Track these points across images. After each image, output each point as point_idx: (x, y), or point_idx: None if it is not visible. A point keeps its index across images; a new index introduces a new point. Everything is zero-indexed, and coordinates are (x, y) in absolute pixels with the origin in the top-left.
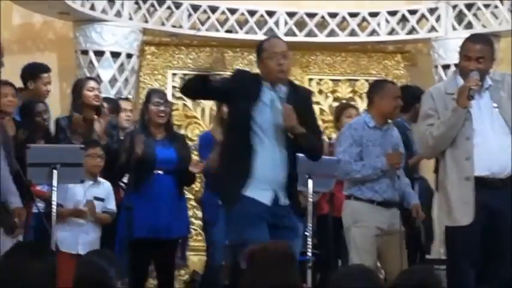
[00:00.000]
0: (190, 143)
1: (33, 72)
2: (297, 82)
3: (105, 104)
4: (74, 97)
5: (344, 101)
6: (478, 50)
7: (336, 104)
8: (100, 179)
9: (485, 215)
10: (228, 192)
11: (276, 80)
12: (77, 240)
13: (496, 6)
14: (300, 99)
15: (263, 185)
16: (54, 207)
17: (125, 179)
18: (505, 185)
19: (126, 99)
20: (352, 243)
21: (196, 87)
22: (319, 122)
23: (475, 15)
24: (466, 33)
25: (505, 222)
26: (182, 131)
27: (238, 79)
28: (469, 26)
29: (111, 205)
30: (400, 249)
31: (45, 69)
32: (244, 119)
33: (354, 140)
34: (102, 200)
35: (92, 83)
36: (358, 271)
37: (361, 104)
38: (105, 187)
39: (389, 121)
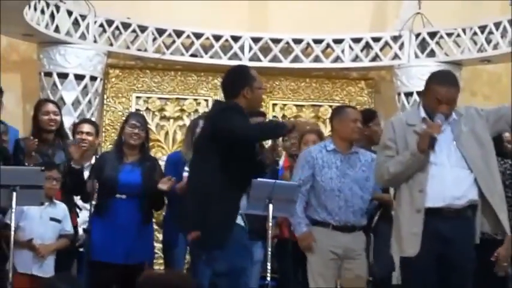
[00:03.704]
0: None
1: None
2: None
3: (86, 126)
4: (33, 119)
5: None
6: (452, 95)
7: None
8: (56, 201)
9: (439, 245)
10: (225, 222)
11: (258, 109)
12: (32, 260)
13: (458, 35)
14: None
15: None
16: (12, 229)
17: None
18: (460, 215)
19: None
20: (308, 267)
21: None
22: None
23: (437, 43)
24: (429, 61)
25: (459, 252)
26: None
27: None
28: (432, 54)
29: (68, 227)
30: (360, 274)
31: None
32: (245, 162)
33: (307, 161)
34: (59, 221)
35: (48, 107)
36: None
37: (325, 130)
38: (61, 208)
39: (358, 150)
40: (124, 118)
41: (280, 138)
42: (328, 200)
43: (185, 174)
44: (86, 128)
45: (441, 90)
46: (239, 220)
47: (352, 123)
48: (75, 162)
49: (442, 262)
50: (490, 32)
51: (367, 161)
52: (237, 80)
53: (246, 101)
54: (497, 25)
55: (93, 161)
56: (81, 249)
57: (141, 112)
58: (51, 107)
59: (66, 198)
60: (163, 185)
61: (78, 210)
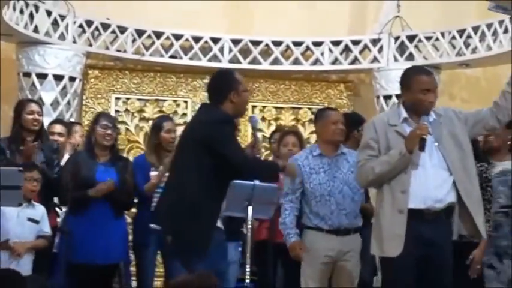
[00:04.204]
0: None
1: None
2: None
3: (57, 127)
4: (14, 118)
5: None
6: (435, 82)
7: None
8: (34, 202)
9: (420, 247)
10: (209, 228)
11: (244, 112)
12: (8, 260)
13: (437, 39)
14: None
15: None
16: None
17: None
18: (440, 217)
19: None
20: (301, 269)
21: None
22: (262, 150)
23: (416, 47)
24: (408, 65)
25: (440, 253)
26: (124, 155)
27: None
28: (411, 57)
29: (47, 228)
30: (350, 277)
31: None
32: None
33: None
34: (36, 222)
35: (32, 106)
36: None
37: (304, 133)
38: (39, 209)
39: (344, 150)
40: (92, 118)
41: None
42: (320, 205)
43: (152, 173)
44: (57, 128)
45: (426, 79)
46: (218, 223)
47: (332, 125)
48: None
49: (423, 263)
50: (469, 36)
51: (355, 161)
52: (223, 84)
53: (233, 105)
54: (475, 29)
55: (62, 162)
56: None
57: (121, 113)
58: (35, 107)
59: (44, 198)
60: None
61: (58, 210)
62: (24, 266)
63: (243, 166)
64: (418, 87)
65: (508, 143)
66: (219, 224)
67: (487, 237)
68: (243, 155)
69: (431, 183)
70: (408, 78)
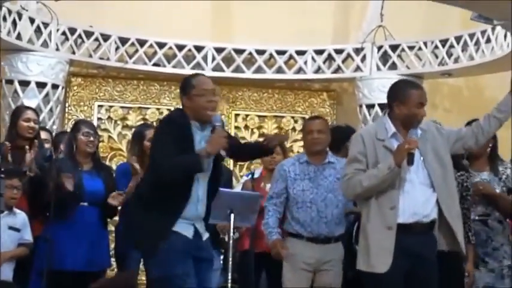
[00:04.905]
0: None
1: None
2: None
3: (42, 133)
4: (10, 125)
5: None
6: (426, 95)
7: (261, 139)
8: (15, 210)
9: (408, 261)
10: (157, 229)
11: (205, 117)
12: None
13: (419, 48)
14: None
15: (186, 220)
16: None
17: None
18: (425, 231)
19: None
20: (283, 275)
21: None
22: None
23: (399, 56)
24: (390, 74)
25: (426, 265)
26: (107, 163)
27: (179, 134)
28: (393, 66)
29: (28, 236)
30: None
31: None
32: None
33: (280, 175)
34: (17, 230)
35: (28, 114)
36: None
37: (287, 141)
38: (20, 217)
39: (332, 159)
40: (72, 126)
41: None
42: (301, 212)
43: None
44: (43, 135)
45: (421, 93)
46: (182, 229)
47: (308, 135)
48: (29, 169)
49: (409, 276)
50: (451, 46)
51: (342, 167)
52: (180, 89)
53: (189, 109)
54: (458, 39)
55: None
56: None
57: (103, 121)
58: (32, 114)
59: (33, 205)
60: (113, 201)
61: None
62: (5, 274)
63: (158, 169)
64: (414, 102)
65: (488, 149)
66: (185, 230)
67: (472, 246)
68: (166, 159)
69: (419, 199)
70: (403, 92)
